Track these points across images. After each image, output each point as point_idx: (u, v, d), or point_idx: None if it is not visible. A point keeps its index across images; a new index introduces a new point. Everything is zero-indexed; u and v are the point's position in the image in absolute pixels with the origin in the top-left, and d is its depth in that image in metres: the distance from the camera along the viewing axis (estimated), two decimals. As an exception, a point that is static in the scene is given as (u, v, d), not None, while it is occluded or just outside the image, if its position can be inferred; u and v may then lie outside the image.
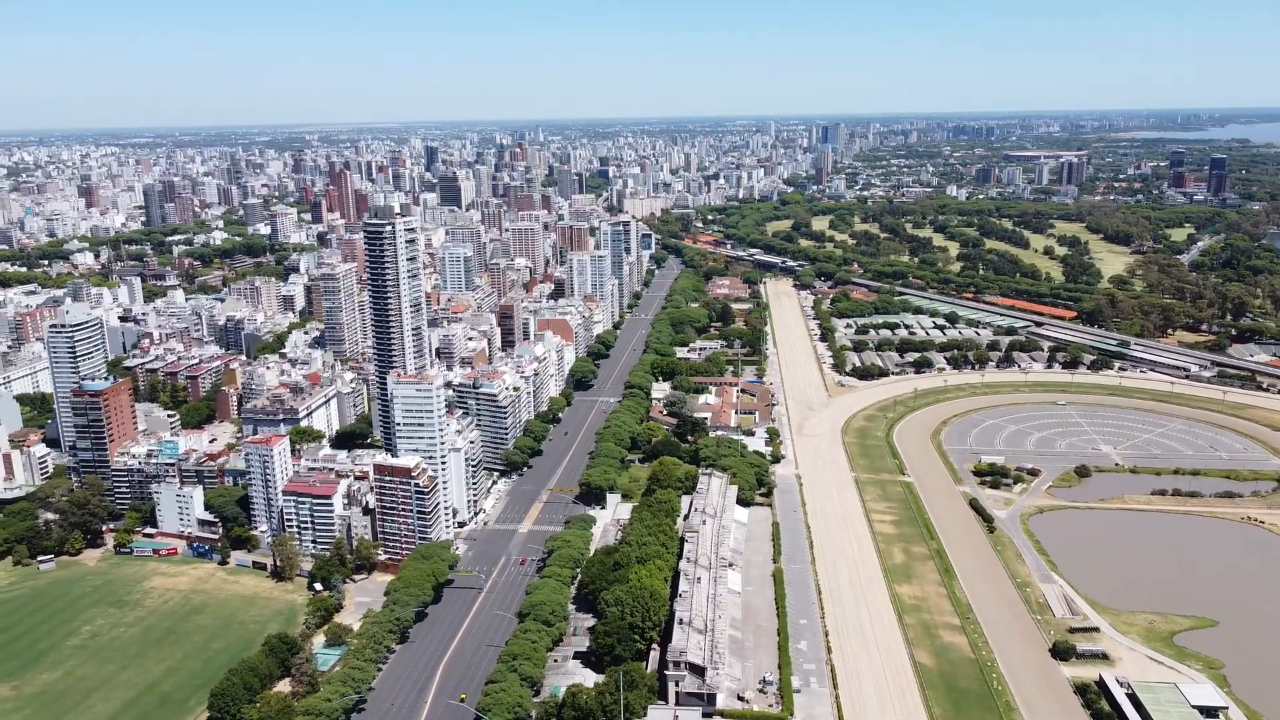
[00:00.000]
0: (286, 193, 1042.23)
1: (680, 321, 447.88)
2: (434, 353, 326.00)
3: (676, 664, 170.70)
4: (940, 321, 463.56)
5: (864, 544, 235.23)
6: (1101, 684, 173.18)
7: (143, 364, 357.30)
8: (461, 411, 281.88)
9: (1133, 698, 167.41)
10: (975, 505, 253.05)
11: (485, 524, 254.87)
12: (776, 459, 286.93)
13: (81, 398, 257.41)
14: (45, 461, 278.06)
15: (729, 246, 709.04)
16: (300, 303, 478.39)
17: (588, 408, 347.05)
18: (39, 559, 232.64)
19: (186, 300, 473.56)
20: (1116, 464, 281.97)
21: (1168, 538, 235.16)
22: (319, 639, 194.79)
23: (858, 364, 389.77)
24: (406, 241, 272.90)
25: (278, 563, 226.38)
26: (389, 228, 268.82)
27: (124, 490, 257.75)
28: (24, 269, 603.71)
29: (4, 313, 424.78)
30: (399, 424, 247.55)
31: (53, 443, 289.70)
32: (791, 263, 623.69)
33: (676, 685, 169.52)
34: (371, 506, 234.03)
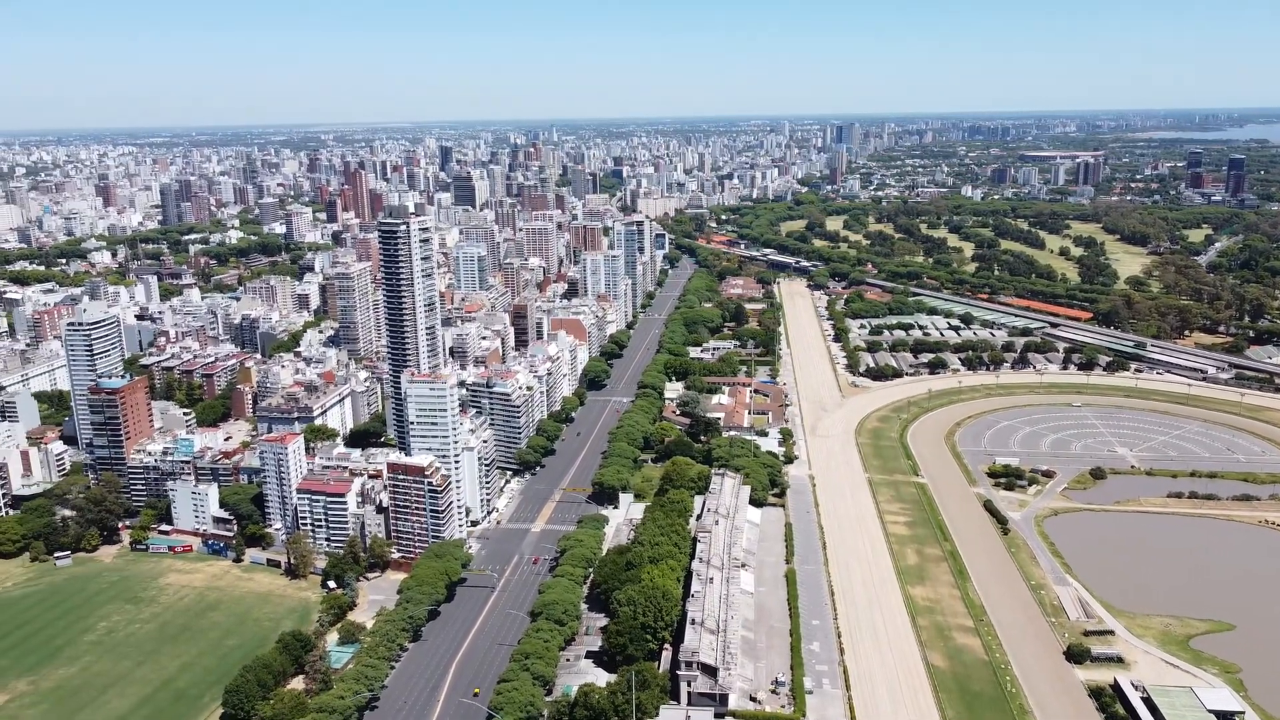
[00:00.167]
0: (302, 192, 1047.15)
1: (694, 321, 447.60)
2: (448, 352, 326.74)
3: (689, 664, 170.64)
4: (955, 322, 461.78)
5: (877, 545, 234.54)
6: (1116, 687, 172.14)
7: (159, 362, 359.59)
8: (475, 411, 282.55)
9: (1148, 702, 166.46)
10: (989, 507, 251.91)
11: (498, 523, 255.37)
12: (790, 459, 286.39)
13: (98, 395, 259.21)
14: (62, 458, 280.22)
15: (743, 246, 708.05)
16: (315, 302, 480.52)
17: (601, 407, 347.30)
18: (56, 555, 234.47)
19: (202, 299, 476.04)
20: (1132, 466, 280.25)
21: (1184, 541, 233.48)
22: (332, 636, 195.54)
23: (871, 364, 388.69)
24: (421, 241, 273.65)
25: (292, 560, 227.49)
26: (403, 227, 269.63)
27: (140, 487, 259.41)
28: (42, 267, 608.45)
29: (22, 311, 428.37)
30: (413, 423, 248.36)
31: (70, 440, 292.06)
32: (805, 263, 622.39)
33: (689, 685, 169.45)
34: (385, 505, 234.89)
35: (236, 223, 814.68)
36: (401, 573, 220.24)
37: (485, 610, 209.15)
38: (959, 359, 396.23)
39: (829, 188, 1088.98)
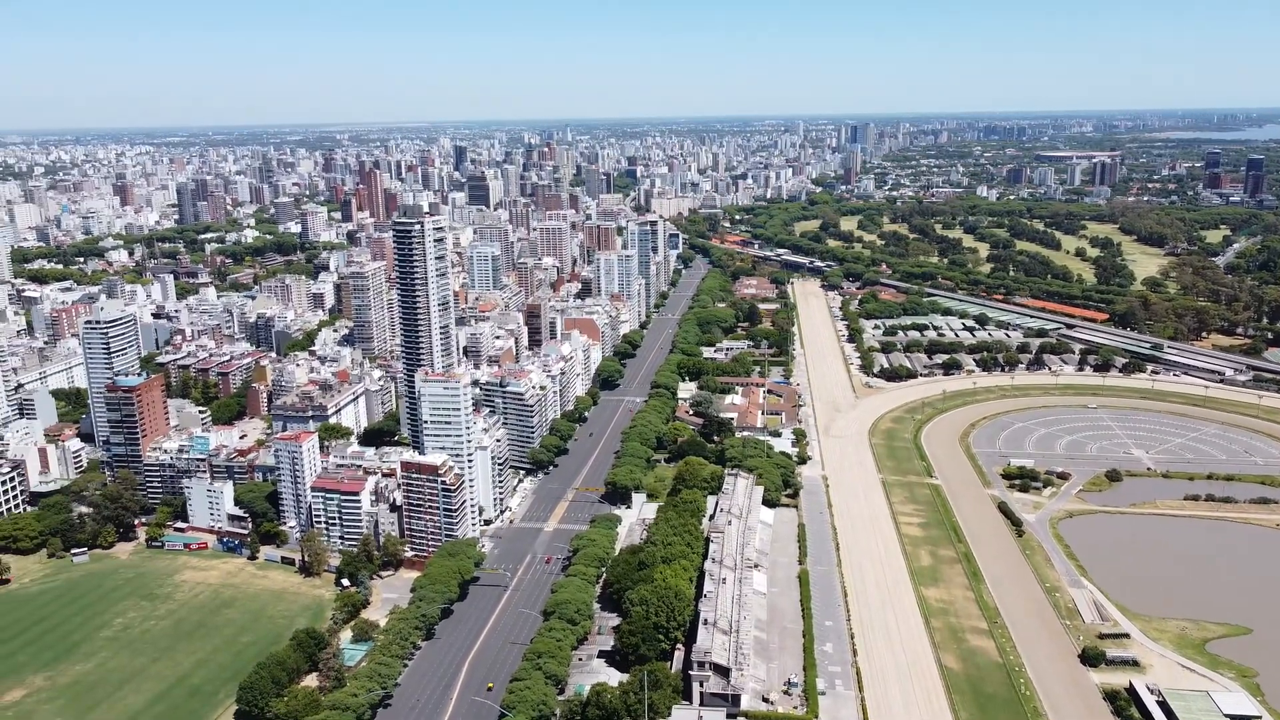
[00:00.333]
0: (317, 191, 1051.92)
1: (707, 321, 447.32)
2: (461, 351, 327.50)
3: (701, 664, 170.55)
4: (970, 323, 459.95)
5: (890, 546, 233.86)
6: (1132, 691, 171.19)
7: (175, 360, 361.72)
8: (488, 410, 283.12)
9: (1164, 705, 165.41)
10: (1004, 508, 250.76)
11: (511, 522, 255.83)
12: (803, 460, 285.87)
13: (115, 393, 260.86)
14: (80, 456, 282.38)
15: (756, 246, 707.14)
16: (330, 300, 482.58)
17: (614, 407, 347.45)
18: (73, 552, 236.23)
19: (218, 298, 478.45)
20: (1148, 468, 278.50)
21: (1200, 544, 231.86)
22: (346, 634, 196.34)
23: (885, 365, 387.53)
24: (435, 240, 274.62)
25: (306, 558, 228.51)
26: (418, 227, 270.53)
27: (156, 485, 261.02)
28: (60, 266, 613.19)
29: (41, 309, 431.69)
30: (426, 422, 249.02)
31: (87, 437, 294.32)
32: (819, 263, 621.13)
33: (701, 686, 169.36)
34: (399, 503, 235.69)
35: (252, 222, 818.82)
36: (415, 571, 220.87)
37: (498, 609, 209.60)
38: (974, 360, 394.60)
39: (843, 188, 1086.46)
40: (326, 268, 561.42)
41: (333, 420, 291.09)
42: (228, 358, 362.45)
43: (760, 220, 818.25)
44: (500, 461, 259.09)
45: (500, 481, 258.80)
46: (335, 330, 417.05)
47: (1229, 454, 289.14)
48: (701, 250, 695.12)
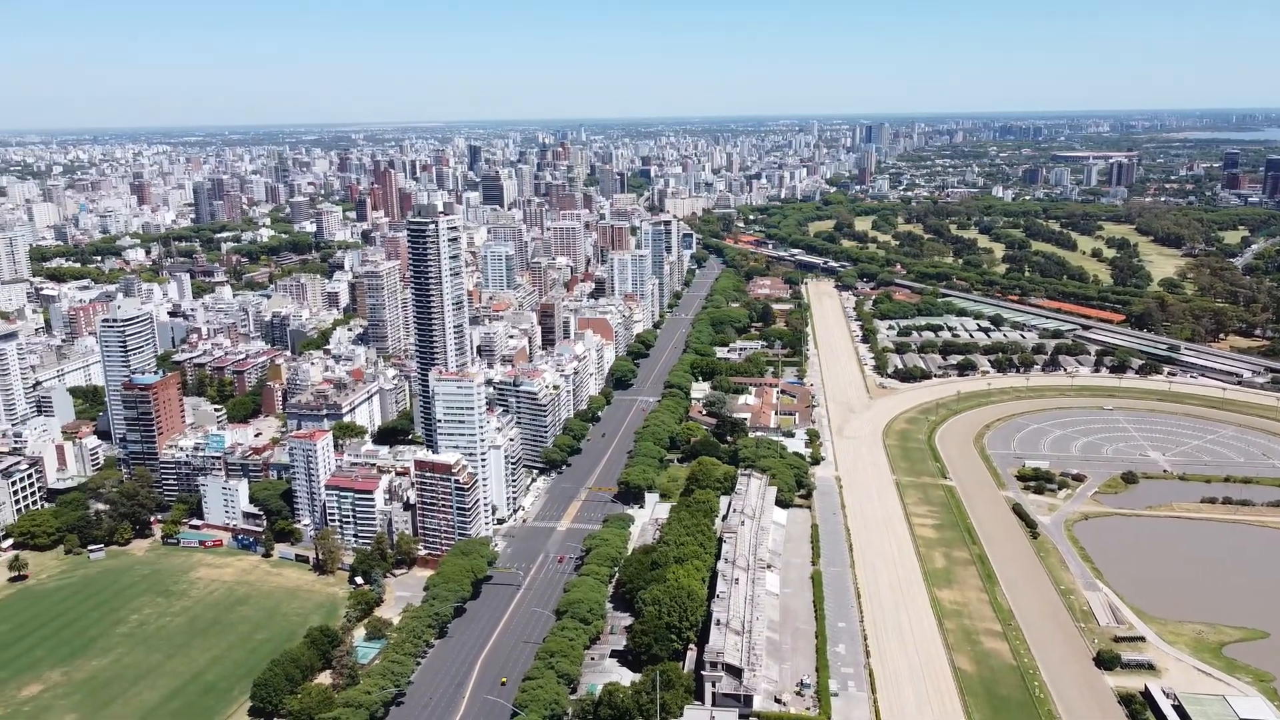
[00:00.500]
0: (332, 191, 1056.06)
1: (720, 321, 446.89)
2: (475, 350, 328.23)
3: (713, 665, 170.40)
4: (984, 324, 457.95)
5: (904, 547, 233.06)
6: (1147, 694, 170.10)
7: (191, 359, 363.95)
8: (502, 409, 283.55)
9: (1179, 709, 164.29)
10: (1018, 510, 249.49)
11: (524, 521, 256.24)
12: (816, 460, 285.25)
13: (132, 391, 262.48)
14: (96, 453, 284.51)
15: (770, 246, 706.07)
16: (344, 300, 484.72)
17: (627, 407, 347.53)
18: (89, 548, 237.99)
19: (234, 296, 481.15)
20: (1165, 471, 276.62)
21: (1217, 547, 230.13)
22: (359, 632, 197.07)
23: (900, 366, 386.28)
24: (449, 240, 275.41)
25: (320, 556, 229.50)
26: (432, 226, 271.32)
27: (172, 482, 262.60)
28: (78, 264, 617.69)
29: (59, 307, 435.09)
30: (440, 421, 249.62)
31: (104, 435, 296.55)
32: (833, 263, 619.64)
33: (713, 686, 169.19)
34: (412, 502, 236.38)
35: (268, 221, 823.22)
36: (428, 570, 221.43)
37: (511, 608, 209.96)
38: (989, 361, 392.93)
39: (858, 188, 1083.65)
40: (341, 267, 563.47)
41: (347, 419, 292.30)
42: (243, 356, 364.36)
43: (774, 220, 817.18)
44: (513, 461, 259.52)
45: (513, 481, 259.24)
46: (350, 329, 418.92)
47: (1247, 456, 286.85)
48: (715, 250, 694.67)
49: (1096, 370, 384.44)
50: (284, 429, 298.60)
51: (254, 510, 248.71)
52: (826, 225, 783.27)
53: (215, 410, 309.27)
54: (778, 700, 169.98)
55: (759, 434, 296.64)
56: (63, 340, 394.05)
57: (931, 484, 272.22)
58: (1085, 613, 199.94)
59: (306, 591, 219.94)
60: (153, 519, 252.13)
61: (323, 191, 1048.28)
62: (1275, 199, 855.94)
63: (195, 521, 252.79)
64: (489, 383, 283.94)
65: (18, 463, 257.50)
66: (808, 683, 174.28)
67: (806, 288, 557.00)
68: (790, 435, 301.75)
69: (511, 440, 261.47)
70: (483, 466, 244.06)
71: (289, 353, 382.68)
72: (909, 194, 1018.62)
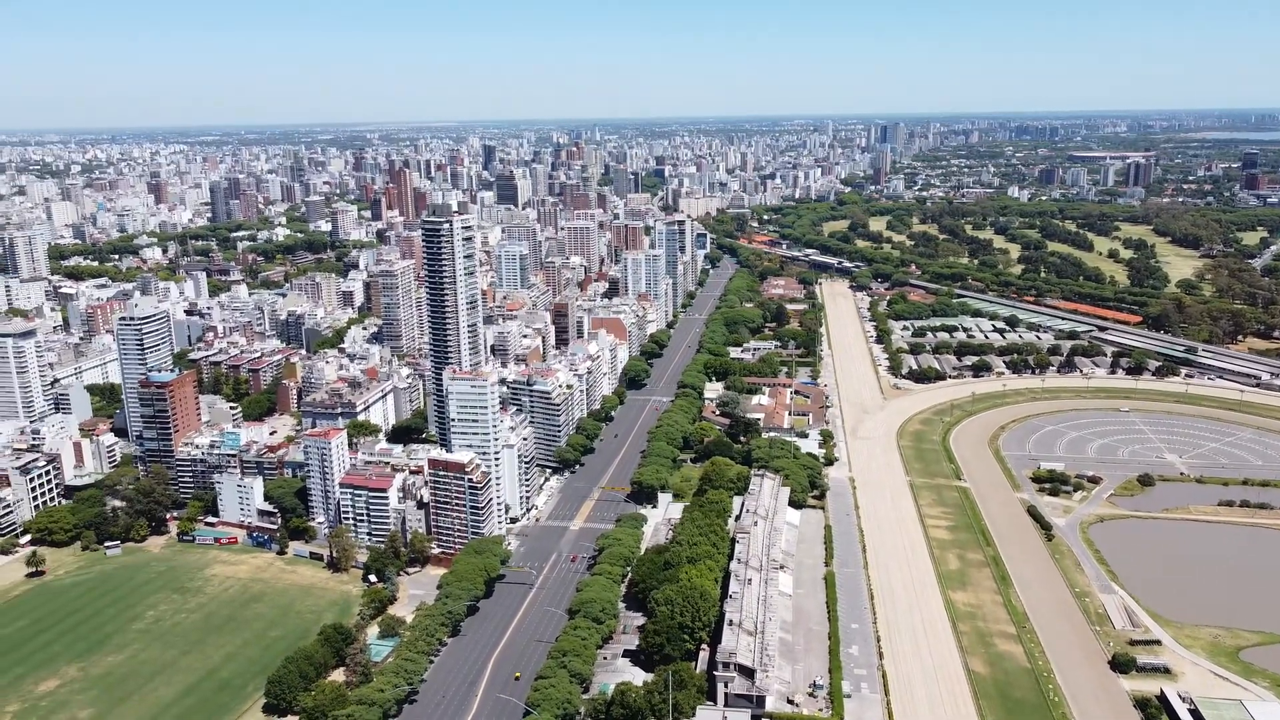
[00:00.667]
0: (347, 190, 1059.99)
1: (734, 321, 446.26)
2: (489, 349, 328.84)
3: (726, 665, 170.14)
4: (1000, 325, 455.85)
5: (918, 549, 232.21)
6: (1163, 698, 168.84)
7: (207, 357, 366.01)
8: (515, 408, 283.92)
9: (1195, 714, 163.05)
10: (1033, 512, 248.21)
11: (537, 520, 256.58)
12: (830, 461, 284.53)
13: (148, 389, 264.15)
14: (113, 450, 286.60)
15: (784, 247, 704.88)
16: (359, 299, 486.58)
17: (640, 407, 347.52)
18: (106, 544, 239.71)
19: (249, 295, 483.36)
20: (1182, 473, 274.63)
21: (1235, 550, 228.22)
22: (373, 630, 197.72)
23: (914, 366, 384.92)
24: (463, 239, 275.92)
25: (334, 554, 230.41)
26: (446, 225, 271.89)
27: (187, 479, 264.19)
28: (96, 263, 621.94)
29: (76, 305, 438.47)
30: (454, 420, 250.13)
31: (121, 432, 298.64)
32: (848, 263, 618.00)
33: (725, 686, 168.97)
34: (426, 501, 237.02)
35: (283, 220, 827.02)
36: (441, 568, 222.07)
37: (523, 607, 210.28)
38: (1003, 362, 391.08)
39: (872, 188, 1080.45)
40: (356, 266, 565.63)
41: (361, 417, 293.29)
42: (258, 355, 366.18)
43: (788, 220, 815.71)
44: (527, 460, 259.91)
45: (527, 480, 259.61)
46: (364, 328, 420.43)
47: (1265, 459, 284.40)
48: (729, 250, 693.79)
49: (1113, 372, 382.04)
50: (299, 427, 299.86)
51: (269, 508, 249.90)
52: (841, 225, 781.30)
53: (231, 408, 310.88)
54: (790, 701, 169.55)
55: (772, 434, 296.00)
56: (80, 338, 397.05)
57: (946, 485, 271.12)
58: (1100, 615, 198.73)
59: (320, 589, 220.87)
60: (168, 516, 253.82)
61: (338, 191, 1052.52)
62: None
63: (210, 519, 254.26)
64: (503, 382, 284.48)
65: (36, 459, 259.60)
66: (820, 684, 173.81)
67: (821, 288, 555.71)
68: (804, 436, 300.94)
69: (525, 439, 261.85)
70: (496, 465, 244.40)
71: (304, 351, 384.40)
72: (924, 194, 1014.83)
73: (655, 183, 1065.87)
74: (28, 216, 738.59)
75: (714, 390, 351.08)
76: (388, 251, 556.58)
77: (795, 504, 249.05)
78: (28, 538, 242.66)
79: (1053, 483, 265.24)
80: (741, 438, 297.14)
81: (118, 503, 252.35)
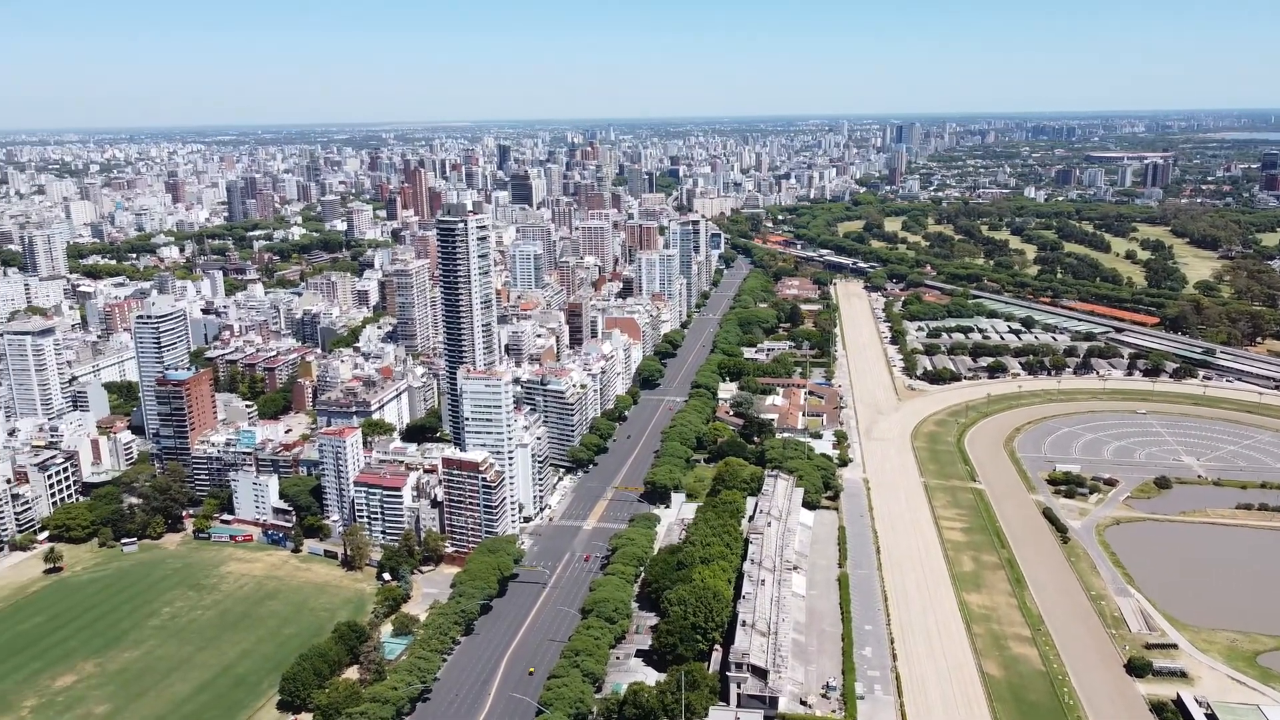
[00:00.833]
0: (363, 190, 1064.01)
1: (748, 322, 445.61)
2: (503, 349, 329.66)
3: (739, 666, 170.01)
4: (1015, 326, 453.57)
5: (932, 550, 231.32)
6: (1179, 703, 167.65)
7: (223, 355, 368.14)
8: (529, 408, 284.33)
9: (1212, 718, 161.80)
10: (1049, 514, 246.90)
11: (550, 520, 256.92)
12: (844, 462, 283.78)
13: (165, 387, 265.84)
14: (130, 448, 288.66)
15: (799, 247, 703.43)
16: (374, 298, 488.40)
17: (654, 406, 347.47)
18: (123, 541, 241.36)
19: (265, 294, 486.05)
20: (1199, 476, 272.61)
21: (1252, 553, 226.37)
22: (386, 628, 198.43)
23: (929, 367, 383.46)
24: (478, 239, 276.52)
25: (348, 552, 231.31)
26: (461, 225, 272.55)
27: (203, 477, 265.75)
28: (114, 262, 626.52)
29: (94, 304, 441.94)
30: (468, 419, 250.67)
31: (138, 430, 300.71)
32: (862, 264, 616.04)
33: (738, 687, 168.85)
34: (440, 499, 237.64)
35: (299, 219, 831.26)
36: (455, 567, 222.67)
37: (536, 606, 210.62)
38: (1019, 363, 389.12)
39: (887, 188, 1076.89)
40: (371, 265, 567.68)
41: (376, 416, 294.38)
42: (274, 353, 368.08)
43: (803, 220, 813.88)
44: (540, 459, 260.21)
45: (540, 479, 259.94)
46: (379, 327, 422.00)
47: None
48: (743, 250, 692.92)
49: (1129, 373, 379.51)
50: (314, 426, 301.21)
51: (284, 506, 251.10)
52: (856, 226, 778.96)
53: (246, 406, 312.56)
54: (803, 702, 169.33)
55: (786, 435, 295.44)
56: (98, 336, 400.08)
57: (960, 487, 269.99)
58: (1116, 619, 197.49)
59: (335, 587, 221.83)
60: (184, 513, 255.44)
61: (353, 190, 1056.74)
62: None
63: (226, 516, 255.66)
64: (517, 381, 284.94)
65: (54, 456, 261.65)
66: (833, 685, 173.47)
67: (835, 288, 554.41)
68: (818, 436, 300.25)
69: (539, 439, 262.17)
70: (510, 465, 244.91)
71: (319, 350, 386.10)
72: (939, 194, 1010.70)
73: (670, 183, 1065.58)
74: (47, 215, 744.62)
75: (728, 390, 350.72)
76: (403, 251, 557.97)
77: (809, 505, 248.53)
78: (45, 534, 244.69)
79: (1068, 485, 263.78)
80: (755, 438, 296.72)
81: (134, 500, 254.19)
